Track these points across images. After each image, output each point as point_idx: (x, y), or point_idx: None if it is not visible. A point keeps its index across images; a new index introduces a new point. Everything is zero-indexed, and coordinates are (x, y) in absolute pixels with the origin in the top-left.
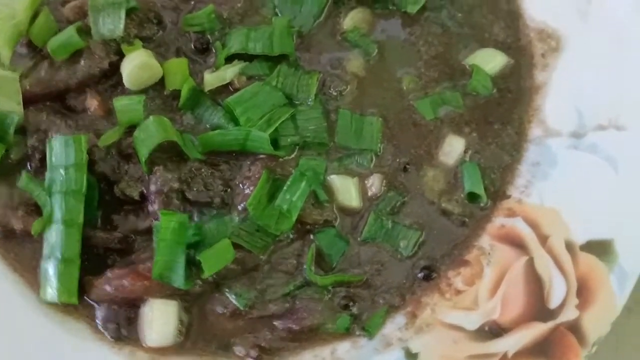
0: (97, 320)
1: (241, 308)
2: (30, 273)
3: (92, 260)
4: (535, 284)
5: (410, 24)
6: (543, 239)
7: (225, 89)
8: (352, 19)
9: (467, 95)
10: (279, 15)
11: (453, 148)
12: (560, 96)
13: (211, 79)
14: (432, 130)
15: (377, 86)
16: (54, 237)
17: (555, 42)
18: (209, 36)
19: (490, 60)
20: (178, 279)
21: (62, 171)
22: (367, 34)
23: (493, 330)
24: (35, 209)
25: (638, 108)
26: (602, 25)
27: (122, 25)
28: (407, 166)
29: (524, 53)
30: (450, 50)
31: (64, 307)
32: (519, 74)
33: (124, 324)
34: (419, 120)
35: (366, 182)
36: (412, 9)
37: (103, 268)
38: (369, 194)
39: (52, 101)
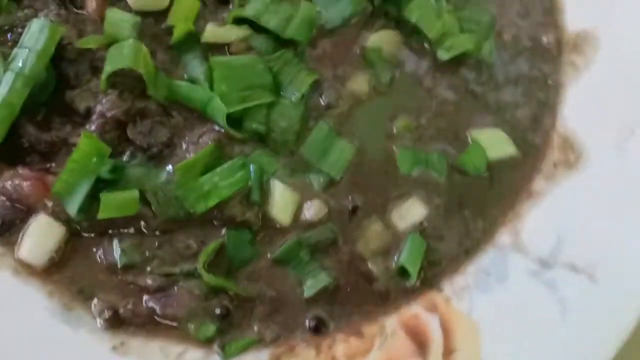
0: None
1: (118, 265)
2: None
3: (13, 149)
4: None
5: (436, 69)
6: (448, 351)
7: (222, 48)
8: (380, 38)
9: (454, 167)
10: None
11: (411, 213)
12: (550, 215)
13: (212, 32)
14: (400, 185)
15: (369, 115)
16: None
17: (575, 157)
18: None
19: (496, 145)
20: (72, 206)
21: (25, 52)
22: (387, 58)
23: None
24: None
25: (619, 268)
26: (635, 167)
27: None
28: (357, 209)
29: (536, 152)
30: (462, 114)
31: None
32: (520, 170)
33: (6, 223)
34: (392, 170)
35: (306, 204)
36: (444, 54)
37: (15, 160)
38: (303, 217)
39: None
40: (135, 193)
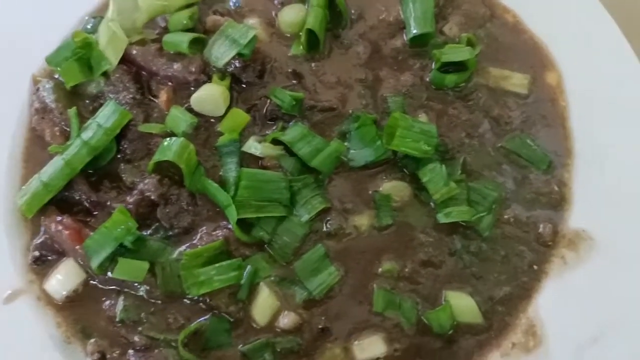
0: (32, 241)
1: (117, 318)
2: (30, 172)
3: (65, 198)
4: None
5: (433, 227)
6: None
7: (257, 158)
8: (392, 187)
9: (421, 319)
10: (344, 141)
11: (371, 348)
12: None
13: (251, 145)
14: (367, 319)
15: (362, 250)
16: (54, 164)
17: (534, 344)
18: (281, 113)
19: (465, 311)
20: (95, 261)
21: (96, 126)
22: (394, 206)
23: None
24: (67, 136)
25: None
26: None
27: (225, 61)
28: (326, 330)
29: (501, 328)
30: (443, 272)
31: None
32: (480, 340)
33: (44, 258)
34: (367, 303)
35: (284, 312)
36: (442, 218)
37: (65, 208)
38: (277, 323)
39: (141, 71)
40: (145, 265)
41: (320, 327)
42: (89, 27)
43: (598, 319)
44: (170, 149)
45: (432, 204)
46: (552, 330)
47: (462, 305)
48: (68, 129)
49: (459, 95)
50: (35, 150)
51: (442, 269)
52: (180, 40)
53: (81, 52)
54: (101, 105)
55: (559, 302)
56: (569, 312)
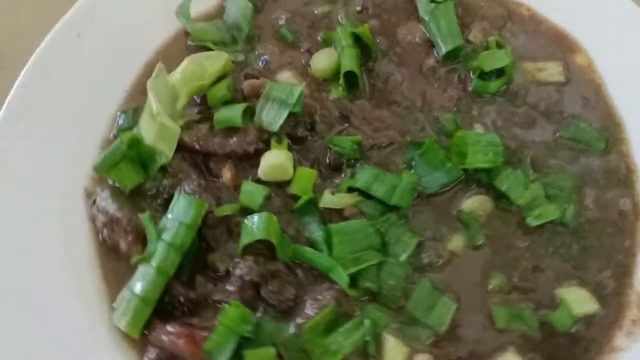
0: (144, 358)
1: None
2: (113, 288)
3: (162, 305)
4: None
5: (525, 232)
6: None
7: (337, 211)
8: (474, 203)
9: (544, 324)
10: (411, 169)
11: None
12: None
13: (328, 199)
14: (495, 338)
15: (466, 273)
16: (144, 275)
17: None
18: (344, 159)
19: (580, 303)
20: None
21: (176, 225)
22: (481, 222)
23: None
24: (141, 239)
25: None
26: None
27: (280, 124)
28: None
29: (616, 310)
30: (548, 274)
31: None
32: (602, 326)
33: None
34: (487, 324)
35: (416, 356)
36: (532, 221)
37: (168, 315)
38: None
39: (197, 155)
40: (272, 350)
41: (456, 357)
42: (121, 122)
43: None
44: (256, 227)
45: (513, 207)
46: None
47: (577, 298)
48: (142, 232)
49: (503, 99)
50: (111, 263)
51: (546, 270)
52: (233, 115)
53: (131, 152)
54: (165, 200)
55: None
56: None
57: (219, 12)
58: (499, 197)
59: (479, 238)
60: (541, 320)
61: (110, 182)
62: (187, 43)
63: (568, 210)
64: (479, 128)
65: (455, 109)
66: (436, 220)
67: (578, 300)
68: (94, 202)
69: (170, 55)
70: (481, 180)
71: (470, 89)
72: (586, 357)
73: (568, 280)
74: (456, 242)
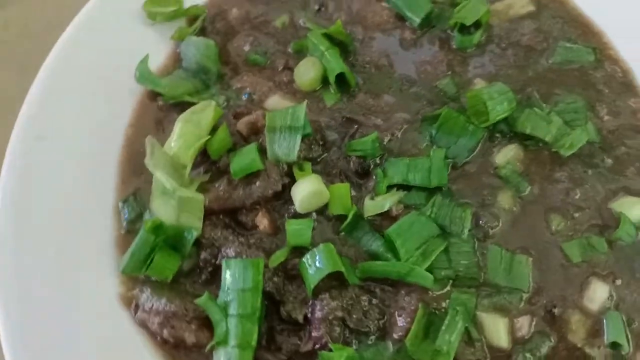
0: None
1: None
2: None
3: None
4: None
5: (561, 164)
6: None
7: (382, 215)
8: (505, 155)
9: (612, 242)
10: (434, 145)
11: (597, 294)
12: None
13: (372, 207)
14: (577, 274)
15: (526, 223)
16: (228, 358)
17: None
18: (370, 161)
19: (636, 210)
20: None
21: (238, 294)
22: (519, 170)
23: None
24: (205, 322)
25: None
26: None
27: (297, 151)
28: (554, 309)
29: None
30: (597, 195)
31: None
32: None
33: None
34: (565, 263)
35: (515, 322)
36: (566, 152)
37: None
38: (518, 335)
39: (224, 215)
40: None
41: (549, 308)
42: (126, 215)
43: None
44: (319, 263)
45: (545, 145)
46: None
47: (631, 206)
48: (203, 316)
49: (488, 47)
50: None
51: (593, 191)
52: (250, 159)
53: (158, 239)
54: (210, 273)
55: None
56: None
57: (175, 62)
58: (525, 140)
59: (524, 186)
60: (608, 240)
61: (142, 276)
62: (158, 104)
63: (589, 127)
64: (479, 82)
65: (449, 72)
66: (478, 186)
67: (633, 208)
68: (137, 307)
69: (144, 125)
70: (503, 130)
71: (454, 46)
72: None
73: (616, 194)
74: (505, 199)
